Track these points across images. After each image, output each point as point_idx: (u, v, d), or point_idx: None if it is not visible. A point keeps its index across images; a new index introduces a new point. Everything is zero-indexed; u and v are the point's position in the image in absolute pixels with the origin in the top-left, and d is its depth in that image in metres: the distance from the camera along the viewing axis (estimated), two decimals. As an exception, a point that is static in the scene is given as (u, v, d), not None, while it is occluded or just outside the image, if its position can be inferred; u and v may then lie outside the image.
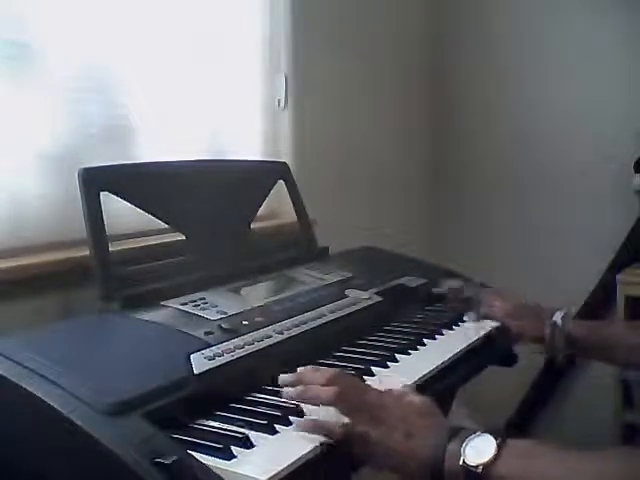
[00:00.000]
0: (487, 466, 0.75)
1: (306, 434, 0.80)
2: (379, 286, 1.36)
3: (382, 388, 0.90)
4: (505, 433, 0.78)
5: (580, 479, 0.75)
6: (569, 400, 2.45)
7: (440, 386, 1.04)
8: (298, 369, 0.90)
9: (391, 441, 0.80)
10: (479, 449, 0.76)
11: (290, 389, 0.85)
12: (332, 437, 0.80)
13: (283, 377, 0.88)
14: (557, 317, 1.28)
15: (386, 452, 0.80)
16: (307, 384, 0.85)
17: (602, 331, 1.31)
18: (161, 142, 1.51)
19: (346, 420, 0.81)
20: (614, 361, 1.50)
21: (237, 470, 0.73)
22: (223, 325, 1.02)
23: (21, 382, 0.79)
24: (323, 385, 0.84)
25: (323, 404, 0.83)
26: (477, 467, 0.75)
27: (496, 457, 0.75)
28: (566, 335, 1.27)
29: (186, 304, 1.09)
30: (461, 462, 0.76)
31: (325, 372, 0.86)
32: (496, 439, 0.77)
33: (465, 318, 1.32)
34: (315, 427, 0.80)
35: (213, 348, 0.95)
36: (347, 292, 1.29)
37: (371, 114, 2.21)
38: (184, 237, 1.26)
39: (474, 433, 0.78)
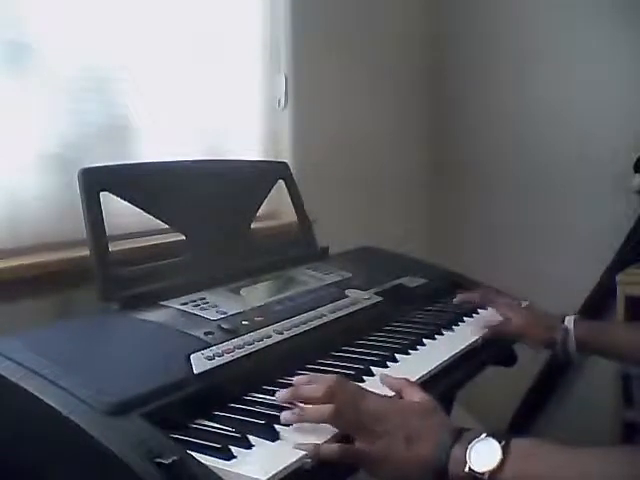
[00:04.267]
0: (493, 473, 0.74)
1: (305, 435, 0.80)
2: (379, 286, 1.36)
3: (381, 389, 0.90)
4: (508, 434, 0.78)
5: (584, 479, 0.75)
6: (569, 399, 2.45)
7: (440, 386, 1.04)
8: (294, 379, 0.89)
9: (392, 452, 0.79)
10: (484, 454, 0.75)
11: (287, 413, 0.83)
12: (332, 458, 0.78)
13: (279, 395, 0.86)
14: (569, 323, 1.29)
15: (388, 464, 0.79)
16: (303, 400, 0.84)
17: (609, 332, 1.32)
18: (161, 142, 1.51)
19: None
20: (622, 359, 1.51)
21: (236, 470, 0.73)
22: (223, 325, 1.02)
23: (21, 382, 0.79)
24: (320, 400, 0.82)
25: (320, 423, 0.82)
26: (483, 474, 0.74)
27: (502, 462, 0.74)
28: (577, 341, 1.27)
29: (186, 304, 1.09)
30: (467, 469, 0.75)
31: (321, 385, 0.84)
32: (500, 442, 0.76)
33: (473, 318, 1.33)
34: (316, 451, 0.78)
35: (213, 348, 0.95)
36: (347, 292, 1.29)
37: (371, 114, 2.21)
38: (184, 237, 1.26)
39: (477, 437, 0.77)
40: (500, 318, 1.32)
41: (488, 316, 1.35)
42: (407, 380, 0.93)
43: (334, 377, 0.87)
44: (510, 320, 1.31)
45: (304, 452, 0.77)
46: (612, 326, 1.53)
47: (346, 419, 0.81)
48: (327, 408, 0.81)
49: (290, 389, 0.87)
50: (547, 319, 1.32)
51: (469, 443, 0.77)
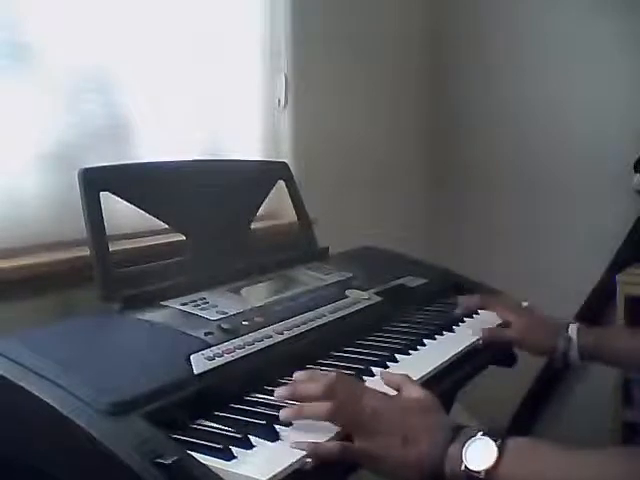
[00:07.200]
0: (489, 471, 0.75)
1: (306, 435, 0.80)
2: (379, 286, 1.36)
3: (381, 387, 0.90)
4: (505, 433, 0.78)
5: (581, 479, 0.75)
6: (569, 399, 2.45)
7: (440, 386, 1.04)
8: (294, 375, 0.89)
9: (390, 451, 0.79)
10: (480, 452, 0.76)
11: (287, 411, 0.83)
12: (331, 457, 0.78)
13: (278, 392, 0.86)
14: (572, 332, 1.27)
15: (386, 462, 0.80)
16: (303, 397, 0.84)
17: (613, 340, 1.30)
18: (161, 142, 1.51)
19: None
20: (626, 368, 1.50)
21: (237, 470, 0.72)
22: (223, 325, 1.02)
23: (21, 382, 0.79)
24: (320, 398, 0.82)
25: (319, 420, 0.82)
26: (479, 473, 0.75)
27: (498, 461, 0.75)
28: (581, 350, 1.26)
29: (186, 304, 1.09)
30: (463, 467, 0.76)
31: (321, 381, 0.84)
32: (496, 441, 0.76)
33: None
34: (315, 450, 0.78)
35: (213, 348, 0.95)
36: (347, 292, 1.29)
37: (371, 114, 2.21)
38: (184, 237, 1.26)
39: (473, 435, 0.78)
40: (499, 321, 1.32)
41: (488, 319, 1.34)
42: (406, 376, 0.93)
43: (334, 374, 0.87)
44: (510, 324, 1.30)
45: (304, 452, 0.76)
46: (616, 334, 1.53)
47: (345, 417, 0.81)
48: (326, 406, 0.81)
49: (289, 387, 0.87)
50: (549, 325, 1.30)
51: (465, 442, 0.77)
